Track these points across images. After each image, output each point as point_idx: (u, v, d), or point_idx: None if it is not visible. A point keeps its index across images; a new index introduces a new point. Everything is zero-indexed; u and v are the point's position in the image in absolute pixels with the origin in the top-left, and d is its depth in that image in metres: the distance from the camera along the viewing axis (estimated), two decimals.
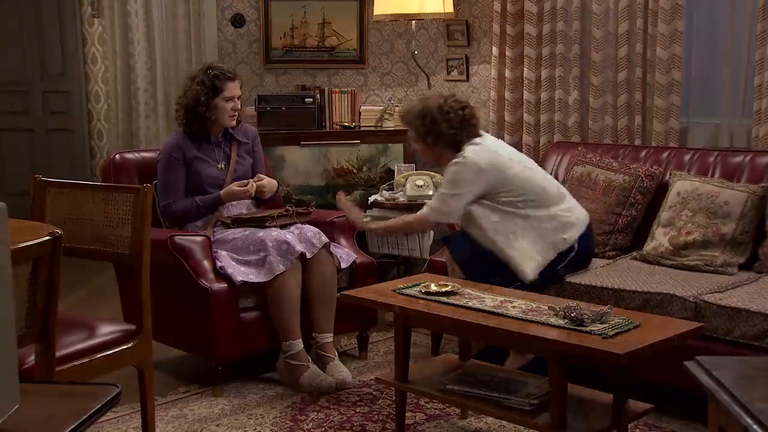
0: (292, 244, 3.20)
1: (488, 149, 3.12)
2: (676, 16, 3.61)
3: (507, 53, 4.19)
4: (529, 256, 3.03)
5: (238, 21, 4.85)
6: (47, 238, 1.76)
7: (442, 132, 3.13)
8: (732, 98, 3.63)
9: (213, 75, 3.36)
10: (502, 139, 4.29)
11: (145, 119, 5.76)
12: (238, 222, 3.36)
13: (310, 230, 3.33)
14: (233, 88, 3.38)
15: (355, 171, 4.44)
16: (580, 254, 3.14)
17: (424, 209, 3.19)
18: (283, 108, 4.45)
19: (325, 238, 3.32)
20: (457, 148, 3.13)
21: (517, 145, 4.25)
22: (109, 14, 5.87)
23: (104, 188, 2.63)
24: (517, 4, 4.15)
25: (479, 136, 3.17)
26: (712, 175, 3.35)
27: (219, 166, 3.43)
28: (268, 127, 4.43)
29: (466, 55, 4.50)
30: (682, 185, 3.32)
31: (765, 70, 3.36)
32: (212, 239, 3.29)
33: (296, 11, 4.74)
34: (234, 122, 3.44)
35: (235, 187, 3.38)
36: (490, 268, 3.04)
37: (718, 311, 2.77)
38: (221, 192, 3.38)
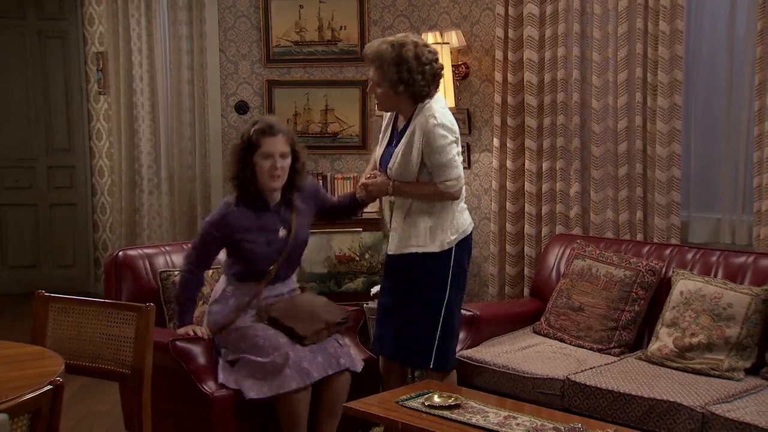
0: (310, 372, 3.02)
1: (448, 110, 3.12)
2: (674, 114, 3.65)
3: (508, 144, 4.23)
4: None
5: (242, 108, 4.92)
6: (48, 388, 1.75)
7: (414, 83, 2.98)
8: (732, 195, 3.65)
9: (254, 130, 3.04)
10: (505, 229, 4.31)
11: (148, 195, 5.81)
12: (275, 324, 3.11)
13: (341, 348, 3.15)
14: (272, 144, 3.01)
15: (357, 258, 4.45)
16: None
17: (450, 185, 3.05)
18: None
19: (350, 361, 3.15)
20: (417, 100, 3.03)
21: (519, 235, 4.28)
22: (114, 91, 5.96)
23: (107, 305, 2.63)
24: (518, 97, 4.20)
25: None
26: (715, 275, 3.35)
27: (280, 233, 3.11)
28: None
29: (467, 143, 4.54)
30: (684, 285, 3.32)
31: (764, 172, 3.39)
32: (233, 327, 3.12)
33: (299, 98, 4.81)
34: (277, 183, 3.05)
35: (191, 330, 3.12)
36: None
37: (726, 424, 2.74)
38: (183, 327, 3.14)
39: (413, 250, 3.10)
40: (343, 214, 3.37)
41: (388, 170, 3.11)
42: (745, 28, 3.58)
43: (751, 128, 3.51)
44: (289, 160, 3.06)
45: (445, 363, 3.16)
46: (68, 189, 6.63)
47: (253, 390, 3.01)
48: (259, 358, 3.03)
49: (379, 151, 3.20)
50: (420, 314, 3.14)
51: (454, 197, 3.10)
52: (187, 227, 5.47)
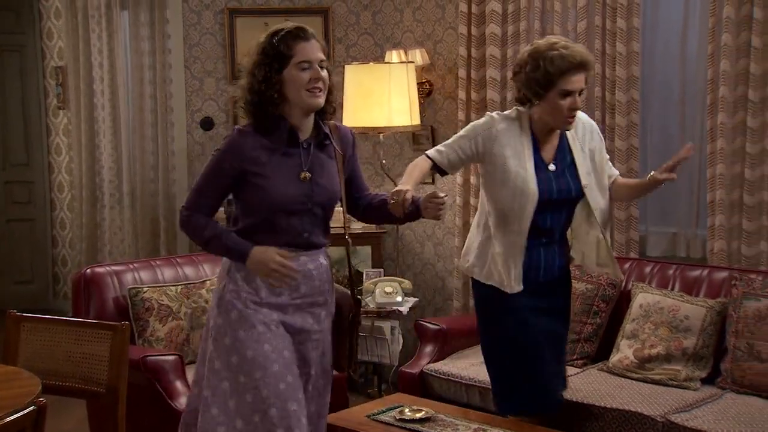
0: None
1: None
2: (631, 132, 3.79)
3: None
4: None
5: (207, 124, 4.93)
6: (31, 408, 1.76)
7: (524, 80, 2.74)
8: (687, 210, 3.80)
9: (279, 39, 2.32)
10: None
11: (110, 210, 5.77)
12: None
13: (321, 406, 2.50)
14: (310, 51, 2.31)
15: None
16: None
17: None
18: None
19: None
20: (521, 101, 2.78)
21: None
22: (74, 106, 5.92)
23: (80, 324, 2.64)
24: (480, 114, 4.27)
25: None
26: (672, 288, 3.48)
27: (303, 175, 2.37)
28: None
29: None
30: (644, 297, 3.44)
31: (716, 188, 3.53)
32: (231, 333, 2.32)
33: None
34: (320, 99, 2.34)
35: (273, 253, 2.29)
36: None
37: None
38: (253, 249, 2.32)
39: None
40: (364, 207, 2.58)
41: (549, 193, 2.76)
42: (696, 50, 3.74)
43: (704, 146, 3.66)
44: (326, 73, 2.37)
45: None
46: (26, 204, 6.54)
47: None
48: (249, 404, 2.29)
49: (527, 178, 2.74)
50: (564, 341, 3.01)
51: None
52: (149, 242, 5.45)
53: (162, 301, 3.54)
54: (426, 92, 4.59)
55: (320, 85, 2.33)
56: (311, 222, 2.40)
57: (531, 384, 2.82)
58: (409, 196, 2.40)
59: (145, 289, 3.55)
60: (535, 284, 2.80)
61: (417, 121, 4.27)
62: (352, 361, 2.54)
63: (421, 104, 4.45)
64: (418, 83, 4.42)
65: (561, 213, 2.83)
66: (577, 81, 2.68)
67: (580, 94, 2.72)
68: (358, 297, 2.56)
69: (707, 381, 3.24)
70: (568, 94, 2.68)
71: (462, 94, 4.32)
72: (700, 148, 3.73)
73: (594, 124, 2.94)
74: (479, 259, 2.85)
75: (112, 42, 5.55)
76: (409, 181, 2.63)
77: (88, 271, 3.58)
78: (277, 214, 2.34)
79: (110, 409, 2.49)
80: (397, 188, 2.42)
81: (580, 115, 2.84)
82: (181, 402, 3.13)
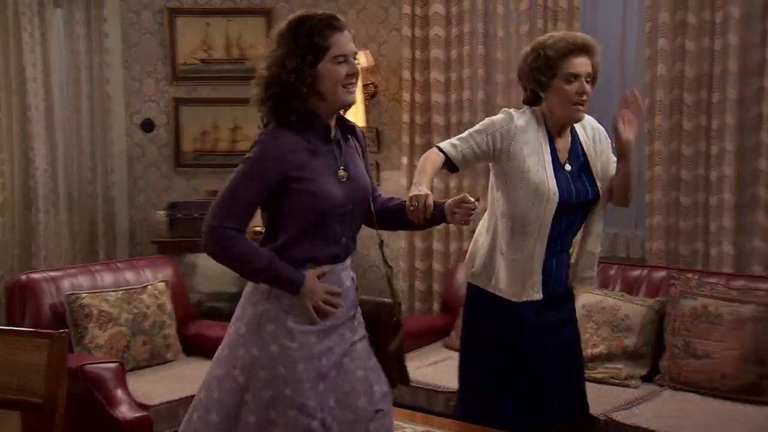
0: None
1: None
2: None
3: (415, 163, 4.33)
4: None
5: (148, 126, 4.84)
6: None
7: (524, 74, 2.63)
8: (627, 211, 3.84)
9: (310, 28, 2.10)
10: (414, 245, 4.41)
11: (45, 214, 5.59)
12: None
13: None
14: (344, 43, 2.12)
15: None
16: None
17: None
18: (195, 215, 4.43)
19: None
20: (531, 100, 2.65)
21: (427, 251, 4.38)
22: (6, 106, 5.71)
23: (15, 333, 2.54)
24: (425, 116, 4.32)
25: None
26: (613, 288, 3.55)
27: (341, 173, 2.17)
28: (180, 234, 4.39)
29: (376, 161, 4.62)
30: (586, 297, 3.50)
31: (654, 189, 3.62)
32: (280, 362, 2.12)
33: (206, 116, 4.78)
34: (354, 96, 2.17)
35: (321, 284, 2.13)
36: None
37: (625, 430, 2.92)
38: (307, 273, 2.12)
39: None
40: (377, 212, 2.30)
41: (569, 195, 2.60)
42: (634, 54, 3.83)
43: (642, 148, 3.74)
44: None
45: None
46: None
47: None
48: None
49: (546, 178, 2.57)
50: (580, 349, 2.79)
51: None
52: (87, 246, 5.32)
53: (102, 307, 3.45)
54: (370, 94, 4.59)
55: (355, 80, 2.13)
56: (350, 225, 2.20)
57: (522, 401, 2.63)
58: (430, 201, 2.17)
59: (83, 295, 3.46)
60: (545, 294, 2.63)
61: (362, 122, 4.26)
62: (402, 372, 2.29)
63: (365, 106, 4.45)
64: (362, 85, 4.41)
65: (576, 217, 2.65)
66: (580, 64, 2.54)
67: (590, 83, 2.57)
68: (399, 301, 2.34)
69: (647, 378, 3.31)
70: (573, 78, 2.53)
71: (407, 96, 4.34)
72: (638, 150, 3.80)
73: (602, 128, 2.77)
74: (486, 267, 2.65)
75: (45, 41, 5.40)
76: (423, 180, 2.43)
77: (24, 277, 3.47)
78: (325, 220, 2.12)
79: (48, 421, 2.40)
80: (414, 193, 2.21)
81: (588, 119, 2.71)
82: (122, 410, 3.06)
